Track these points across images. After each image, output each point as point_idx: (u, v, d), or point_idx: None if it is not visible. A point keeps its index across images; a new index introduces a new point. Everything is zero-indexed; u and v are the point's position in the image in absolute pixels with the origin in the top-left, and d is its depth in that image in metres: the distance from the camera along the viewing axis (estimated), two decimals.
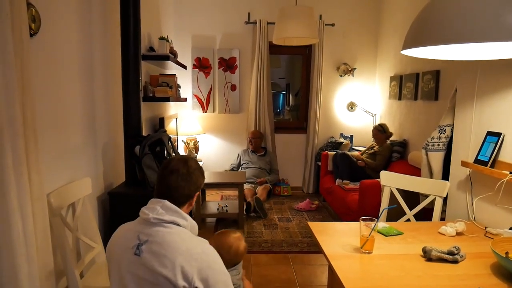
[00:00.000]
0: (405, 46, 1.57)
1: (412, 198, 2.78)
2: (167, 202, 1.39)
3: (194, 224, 1.47)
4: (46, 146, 1.98)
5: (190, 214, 3.76)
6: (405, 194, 2.53)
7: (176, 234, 1.35)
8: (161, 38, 3.81)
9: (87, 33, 2.49)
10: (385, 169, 4.00)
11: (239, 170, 5.29)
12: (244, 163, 5.29)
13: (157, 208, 1.37)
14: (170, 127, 4.74)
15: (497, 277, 1.51)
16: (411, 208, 2.42)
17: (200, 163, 5.16)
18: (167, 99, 3.80)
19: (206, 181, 4.18)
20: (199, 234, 1.45)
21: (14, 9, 1.46)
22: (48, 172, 1.97)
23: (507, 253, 1.50)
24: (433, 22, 1.42)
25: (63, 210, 2.09)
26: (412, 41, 1.51)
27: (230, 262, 1.78)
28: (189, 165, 1.47)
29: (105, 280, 2.09)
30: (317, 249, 3.52)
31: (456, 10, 1.35)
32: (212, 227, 4.15)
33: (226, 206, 4.32)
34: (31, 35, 1.78)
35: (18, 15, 1.48)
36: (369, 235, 1.71)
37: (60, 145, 2.16)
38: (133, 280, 1.33)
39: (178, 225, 1.38)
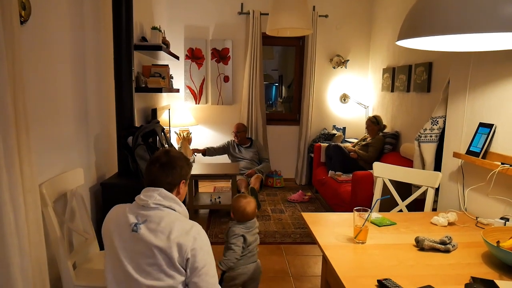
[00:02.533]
0: (400, 37, 1.56)
1: (404, 189, 2.81)
2: (163, 190, 1.50)
3: (186, 211, 1.58)
4: (38, 137, 1.95)
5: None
6: (397, 185, 2.55)
7: (173, 216, 1.46)
8: (154, 28, 3.77)
9: (78, 21, 2.45)
10: (378, 161, 4.03)
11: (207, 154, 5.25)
12: (235, 156, 5.26)
13: (155, 195, 1.47)
14: (162, 118, 4.71)
15: (488, 266, 1.53)
16: (403, 199, 2.45)
17: (193, 155, 5.14)
18: (159, 90, 3.77)
19: (199, 172, 4.21)
20: None
21: None
22: (40, 163, 1.95)
23: (498, 242, 1.52)
24: (428, 13, 1.42)
25: (56, 201, 2.07)
26: (408, 31, 1.51)
27: (239, 218, 2.35)
28: (170, 155, 1.56)
29: (98, 271, 2.08)
30: (309, 240, 3.55)
31: (452, 1, 1.35)
32: (206, 219, 4.15)
33: (219, 197, 4.32)
34: (21, 23, 1.74)
35: (8, 2, 1.45)
36: (363, 226, 1.72)
37: (52, 135, 2.13)
38: (128, 255, 1.42)
39: (174, 210, 1.49)
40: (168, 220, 1.43)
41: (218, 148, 5.28)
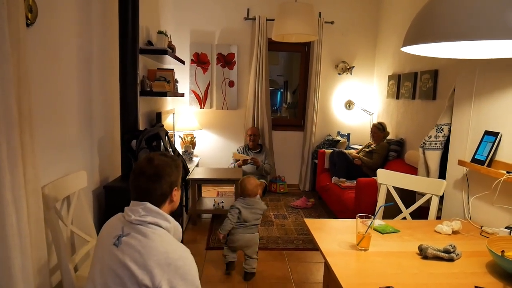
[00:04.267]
0: (406, 43, 1.56)
1: (408, 196, 2.79)
2: (148, 204, 1.38)
3: (177, 226, 1.46)
4: (42, 139, 1.96)
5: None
6: (402, 192, 2.53)
7: (157, 235, 1.34)
8: (160, 32, 3.79)
9: (85, 24, 2.47)
10: (382, 167, 4.00)
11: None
12: None
13: (139, 211, 1.37)
14: (167, 122, 4.71)
15: (492, 276, 1.51)
16: (407, 207, 2.43)
17: (196, 159, 5.14)
18: (164, 94, 3.78)
19: (202, 177, 4.20)
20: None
21: None
22: (43, 165, 1.95)
23: (503, 251, 1.50)
24: (434, 19, 1.41)
25: (58, 203, 2.08)
26: (413, 37, 1.50)
27: (240, 193, 2.96)
28: (155, 164, 1.42)
29: None
30: (312, 246, 3.53)
31: (458, 7, 1.35)
32: (208, 223, 4.14)
33: (222, 202, 4.31)
34: (27, 25, 1.75)
35: (14, 5, 1.46)
36: (366, 232, 1.70)
37: (56, 137, 2.14)
38: (100, 268, 1.34)
39: (161, 227, 1.37)
40: (150, 239, 1.31)
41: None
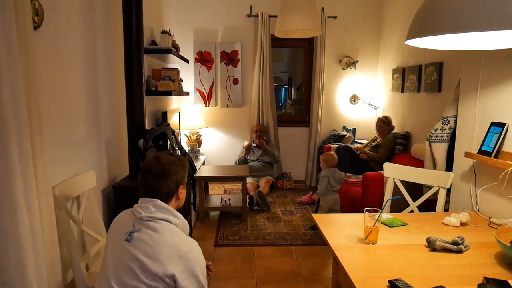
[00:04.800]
0: (409, 36, 1.56)
1: (415, 189, 2.79)
2: (158, 201, 1.45)
3: (185, 222, 1.52)
4: (51, 140, 1.98)
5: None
6: (409, 186, 2.53)
7: (167, 229, 1.41)
8: (163, 32, 3.80)
9: (90, 26, 2.49)
10: (388, 161, 4.00)
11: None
12: (246, 159, 5.27)
13: (150, 207, 1.43)
14: (172, 121, 4.74)
15: (501, 267, 1.52)
16: (414, 200, 2.43)
17: (203, 157, 5.16)
18: (169, 93, 3.80)
19: (209, 174, 4.21)
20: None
21: (17, 2, 1.45)
22: (53, 165, 1.98)
23: (511, 242, 1.50)
24: (437, 11, 1.41)
25: (68, 203, 2.10)
26: (416, 30, 1.50)
27: (326, 165, 3.70)
28: (162, 163, 1.48)
29: None
30: (320, 242, 3.54)
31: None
32: (216, 221, 4.16)
33: (229, 199, 4.33)
34: (34, 28, 1.77)
35: (21, 8, 1.48)
36: (373, 226, 1.71)
37: (64, 138, 2.16)
38: (114, 263, 1.40)
39: (170, 222, 1.44)
40: (161, 233, 1.38)
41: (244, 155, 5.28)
